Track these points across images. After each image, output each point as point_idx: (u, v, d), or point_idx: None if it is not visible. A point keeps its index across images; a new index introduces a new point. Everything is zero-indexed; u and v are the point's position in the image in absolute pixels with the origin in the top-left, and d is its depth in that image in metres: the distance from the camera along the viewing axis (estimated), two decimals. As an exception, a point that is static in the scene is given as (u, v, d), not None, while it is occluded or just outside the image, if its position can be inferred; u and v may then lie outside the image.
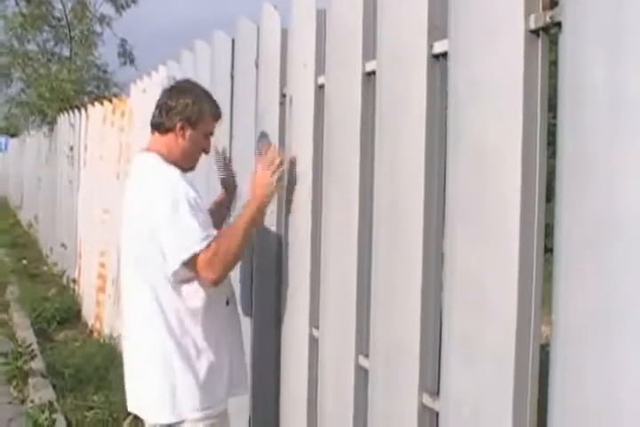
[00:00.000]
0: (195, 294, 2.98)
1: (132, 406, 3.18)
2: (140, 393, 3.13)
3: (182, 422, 2.97)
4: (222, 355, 3.06)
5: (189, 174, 3.14)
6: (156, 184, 2.98)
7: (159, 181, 2.98)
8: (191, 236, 2.86)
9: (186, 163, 3.14)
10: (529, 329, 1.84)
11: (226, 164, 3.58)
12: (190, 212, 2.87)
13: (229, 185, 3.59)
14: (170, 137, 3.11)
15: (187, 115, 3.08)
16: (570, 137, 1.66)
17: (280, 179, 3.14)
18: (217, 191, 3.66)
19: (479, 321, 1.97)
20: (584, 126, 1.61)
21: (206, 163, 3.56)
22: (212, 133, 3.22)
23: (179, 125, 3.08)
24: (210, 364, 3.00)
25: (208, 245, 2.86)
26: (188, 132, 3.10)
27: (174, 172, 3.00)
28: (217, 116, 3.22)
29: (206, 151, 3.23)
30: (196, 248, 2.85)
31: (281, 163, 3.14)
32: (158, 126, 3.14)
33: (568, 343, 1.66)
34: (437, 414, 2.19)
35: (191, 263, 2.88)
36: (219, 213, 3.47)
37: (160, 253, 2.91)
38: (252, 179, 3.15)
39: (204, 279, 2.93)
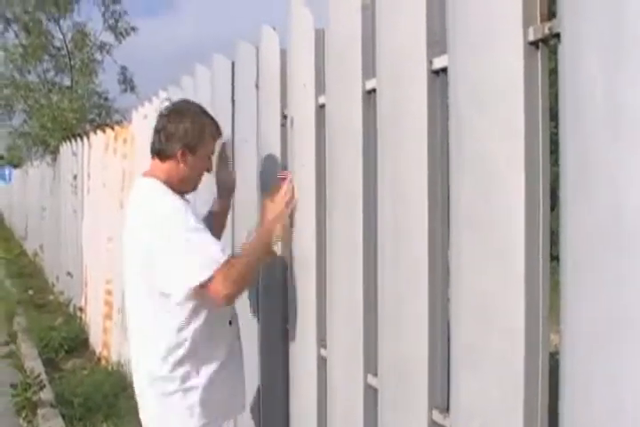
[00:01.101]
0: (196, 315, 2.97)
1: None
2: (141, 412, 3.17)
3: None
4: (220, 376, 3.06)
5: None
6: (155, 213, 2.98)
7: (158, 210, 2.98)
8: (196, 264, 2.85)
9: (185, 187, 3.13)
10: (537, 340, 1.83)
11: (226, 161, 3.54)
12: (193, 239, 2.88)
13: (226, 184, 3.53)
14: (170, 164, 3.09)
15: (187, 141, 3.05)
16: (572, 146, 1.66)
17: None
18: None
19: (486, 333, 1.96)
20: (585, 135, 1.61)
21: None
22: (213, 153, 3.21)
23: (179, 152, 3.06)
24: (206, 384, 3.00)
25: (218, 268, 2.83)
26: (189, 158, 3.07)
27: (172, 199, 3.00)
28: (217, 135, 3.20)
29: (209, 170, 3.22)
30: (205, 274, 2.83)
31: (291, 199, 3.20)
32: (159, 153, 3.12)
33: (576, 354, 1.65)
34: (449, 430, 2.18)
35: (200, 289, 2.86)
36: (217, 223, 3.47)
37: (162, 279, 2.92)
38: (265, 205, 3.20)
39: (216, 300, 2.89)
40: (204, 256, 2.85)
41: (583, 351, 1.63)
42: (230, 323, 3.14)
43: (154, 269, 2.92)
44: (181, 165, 3.08)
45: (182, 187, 3.10)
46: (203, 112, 3.18)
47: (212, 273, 2.82)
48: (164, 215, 2.95)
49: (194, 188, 3.21)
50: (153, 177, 3.09)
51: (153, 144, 3.14)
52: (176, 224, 2.90)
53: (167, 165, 3.09)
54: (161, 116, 3.16)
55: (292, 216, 3.25)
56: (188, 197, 3.20)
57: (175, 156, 3.07)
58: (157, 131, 3.12)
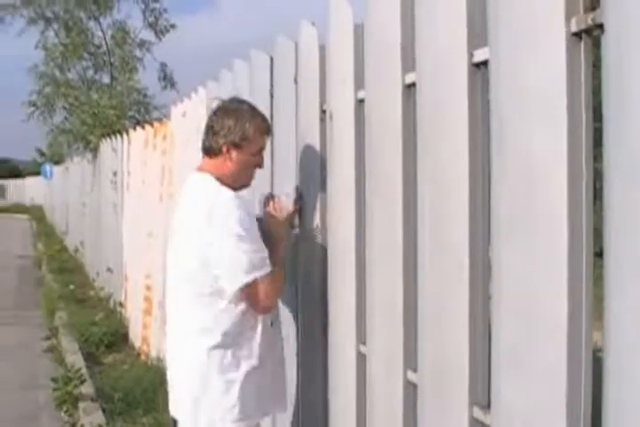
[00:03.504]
0: (241, 312, 3.03)
1: (173, 411, 3.24)
2: (178, 400, 3.19)
3: None
4: (264, 372, 3.11)
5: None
6: (211, 209, 3.01)
7: (215, 206, 3.02)
8: (240, 268, 2.96)
9: (237, 183, 3.19)
10: (580, 337, 1.80)
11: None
12: (242, 242, 2.96)
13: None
14: (219, 160, 3.16)
15: (230, 138, 3.12)
16: (616, 140, 1.62)
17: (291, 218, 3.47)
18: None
19: (528, 331, 1.93)
20: (631, 130, 1.58)
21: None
22: (263, 148, 3.26)
23: (224, 149, 3.13)
24: (249, 379, 3.04)
25: (255, 280, 2.98)
26: (235, 155, 3.14)
27: (229, 195, 3.04)
28: (265, 131, 3.25)
29: (260, 166, 3.27)
30: (244, 280, 2.97)
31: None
32: (207, 150, 3.20)
33: (621, 350, 1.61)
34: (489, 428, 2.15)
35: (241, 293, 2.99)
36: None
37: (212, 275, 2.99)
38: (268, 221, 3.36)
39: (255, 309, 3.05)
40: (252, 260, 2.97)
41: (629, 348, 1.59)
42: (272, 324, 3.19)
43: (204, 267, 3.00)
44: (228, 161, 3.15)
45: (234, 183, 3.16)
46: (250, 109, 3.23)
47: (253, 278, 2.97)
48: (219, 210, 3.00)
49: (246, 184, 3.27)
50: (207, 173, 3.16)
51: (203, 141, 3.23)
52: (231, 221, 2.95)
53: (216, 162, 3.17)
54: (211, 114, 3.25)
55: (294, 216, 3.54)
56: (244, 193, 3.26)
57: (222, 152, 3.14)
58: (206, 128, 3.21)
